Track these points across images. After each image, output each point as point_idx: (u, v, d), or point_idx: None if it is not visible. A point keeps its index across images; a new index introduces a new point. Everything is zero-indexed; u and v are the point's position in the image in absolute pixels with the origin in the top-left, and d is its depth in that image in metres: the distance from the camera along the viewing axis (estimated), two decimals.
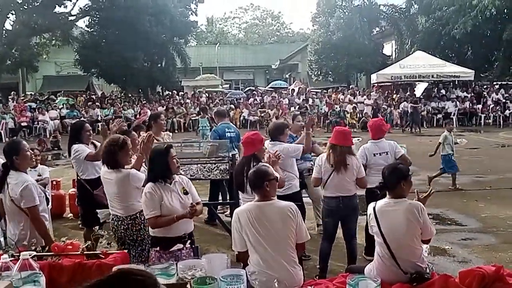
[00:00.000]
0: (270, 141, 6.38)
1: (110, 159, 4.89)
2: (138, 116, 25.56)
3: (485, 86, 29.24)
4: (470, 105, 25.85)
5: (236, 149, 7.92)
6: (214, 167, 6.92)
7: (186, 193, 4.51)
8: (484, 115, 25.33)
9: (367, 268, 4.32)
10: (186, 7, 34.82)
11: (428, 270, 4.20)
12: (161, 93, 35.00)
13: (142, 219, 4.74)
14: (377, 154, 6.45)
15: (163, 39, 32.87)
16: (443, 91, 28.20)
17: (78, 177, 6.71)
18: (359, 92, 29.31)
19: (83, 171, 6.57)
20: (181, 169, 6.49)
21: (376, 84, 28.98)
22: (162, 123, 7.68)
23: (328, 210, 5.84)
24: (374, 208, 4.25)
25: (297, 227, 4.00)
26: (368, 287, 3.43)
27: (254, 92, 32.20)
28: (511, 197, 9.80)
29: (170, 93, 32.73)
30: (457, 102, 25.78)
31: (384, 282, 3.80)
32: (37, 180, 6.16)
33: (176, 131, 24.02)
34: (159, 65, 34.68)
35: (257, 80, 48.11)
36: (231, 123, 8.86)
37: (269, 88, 36.29)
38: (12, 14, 30.34)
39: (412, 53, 30.34)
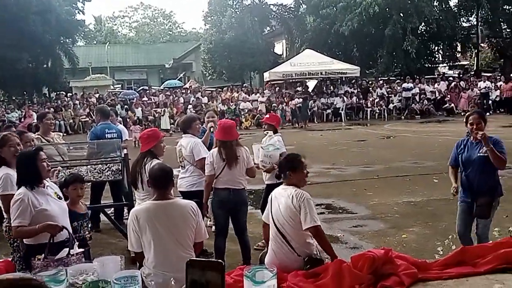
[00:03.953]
0: (183, 134, 6.55)
1: None
2: (23, 120, 24.17)
3: (370, 82, 30.86)
4: (357, 100, 27.15)
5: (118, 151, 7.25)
6: (106, 168, 6.64)
7: (60, 198, 4.29)
8: (370, 109, 26.72)
9: (266, 258, 4.41)
10: (73, 5, 33.48)
11: (319, 255, 4.38)
12: (47, 95, 33.31)
13: None
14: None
15: (48, 39, 31.35)
16: (331, 88, 29.42)
17: None
18: (253, 90, 29.78)
19: None
20: (69, 171, 6.24)
21: (268, 82, 29.55)
22: (48, 122, 7.24)
23: (219, 202, 5.81)
24: (272, 194, 4.52)
25: (196, 226, 3.98)
26: (264, 277, 3.44)
27: (148, 91, 31.61)
28: (397, 185, 10.39)
29: (58, 94, 31.20)
30: (345, 98, 26.95)
31: (280, 268, 3.86)
32: None
33: (65, 134, 22.90)
34: (45, 65, 33.06)
35: (151, 80, 47.32)
36: (112, 124, 8.30)
37: (164, 87, 35.80)
38: None
39: (302, 51, 31.30)
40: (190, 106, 26.11)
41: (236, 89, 30.12)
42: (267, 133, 7.10)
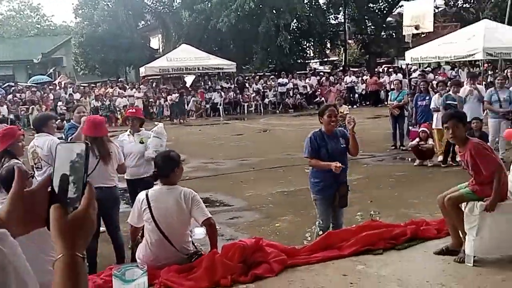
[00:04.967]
0: (36, 133, 6.23)
1: None
2: None
3: (247, 77, 31.47)
4: (234, 95, 27.55)
5: None
6: None
7: None
8: (247, 104, 27.24)
9: (145, 256, 4.36)
10: None
11: (200, 250, 4.49)
12: None
13: None
14: None
15: None
16: (209, 83, 29.61)
17: None
18: (129, 85, 29.05)
19: None
20: None
21: (145, 77, 29.02)
22: None
23: None
24: (147, 195, 4.40)
25: None
26: (134, 275, 3.39)
27: (14, 88, 29.55)
28: (271, 176, 10.73)
29: None
30: (222, 93, 27.24)
31: (160, 265, 3.87)
32: None
33: None
34: None
35: (18, 76, 44.10)
36: None
37: (32, 83, 33.64)
38: None
39: (178, 46, 31.10)
40: (60, 103, 24.86)
41: (111, 84, 29.17)
42: (157, 123, 7.03)
